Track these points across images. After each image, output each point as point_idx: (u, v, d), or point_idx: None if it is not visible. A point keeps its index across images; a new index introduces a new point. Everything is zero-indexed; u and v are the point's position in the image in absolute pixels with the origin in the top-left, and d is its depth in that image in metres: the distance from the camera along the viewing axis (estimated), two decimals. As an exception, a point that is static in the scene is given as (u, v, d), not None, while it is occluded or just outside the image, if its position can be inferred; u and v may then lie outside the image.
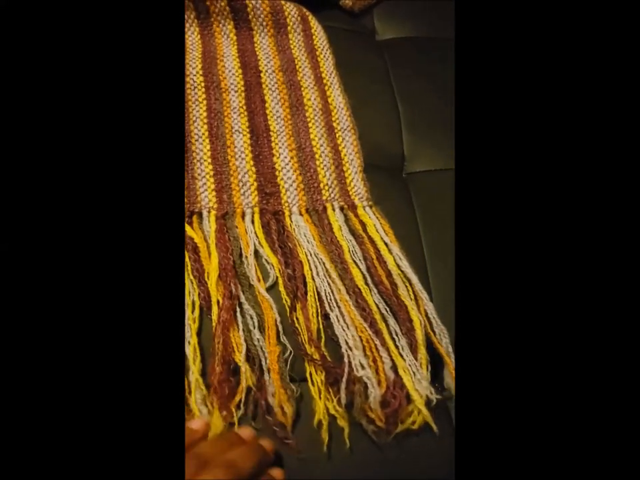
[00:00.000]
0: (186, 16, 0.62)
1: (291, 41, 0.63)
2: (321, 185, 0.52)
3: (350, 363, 0.42)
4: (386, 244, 0.49)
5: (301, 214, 0.50)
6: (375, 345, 0.43)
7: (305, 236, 0.48)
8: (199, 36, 0.62)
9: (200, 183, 0.51)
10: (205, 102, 0.56)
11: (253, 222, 0.49)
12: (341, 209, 0.51)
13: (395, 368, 0.42)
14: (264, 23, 0.63)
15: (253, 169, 0.52)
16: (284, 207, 0.50)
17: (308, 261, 0.47)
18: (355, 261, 0.47)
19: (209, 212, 0.49)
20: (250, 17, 0.62)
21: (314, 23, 0.64)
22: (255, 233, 0.48)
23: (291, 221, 0.49)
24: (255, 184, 0.51)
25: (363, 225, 0.50)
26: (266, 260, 0.47)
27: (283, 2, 0.64)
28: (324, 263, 0.46)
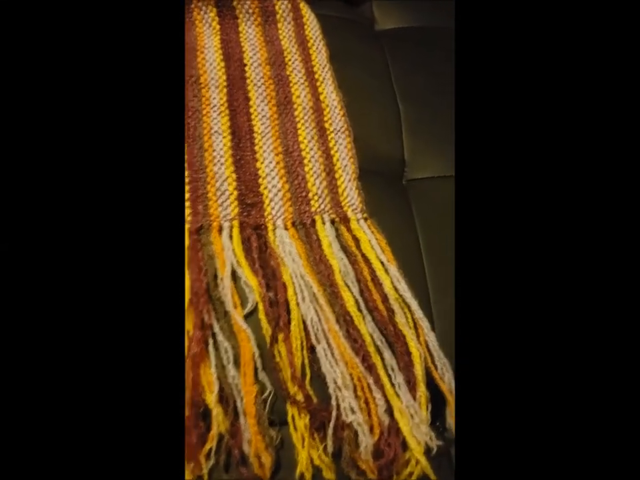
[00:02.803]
0: (163, 2, 0.56)
1: (280, 31, 0.57)
2: (310, 195, 0.46)
3: (338, 405, 0.36)
4: (382, 263, 0.43)
5: (286, 228, 0.44)
6: (368, 383, 0.37)
7: (290, 254, 0.42)
8: (178, 25, 0.56)
9: (173, 192, 0.45)
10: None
11: (231, 237, 0.43)
12: (332, 222, 0.45)
13: (390, 410, 0.37)
14: (250, 11, 0.57)
15: (233, 175, 0.46)
16: (267, 219, 0.44)
17: (293, 283, 0.41)
18: (346, 283, 0.41)
19: (182, 226, 0.43)
20: (234, 3, 0.56)
21: (306, 11, 0.58)
22: (233, 250, 0.42)
23: (275, 236, 0.44)
24: (235, 193, 0.45)
25: (357, 240, 0.44)
26: (245, 282, 0.41)
27: (271, -13, 0.58)
28: (311, 286, 0.41)
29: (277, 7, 0.57)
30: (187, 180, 0.45)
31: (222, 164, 0.47)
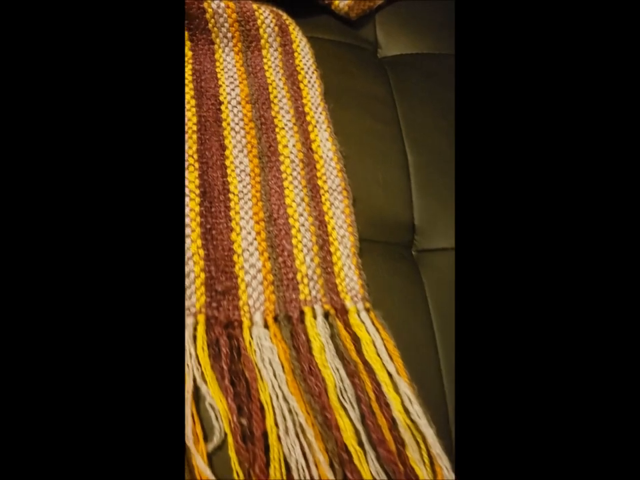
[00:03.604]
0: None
1: (264, 60, 0.47)
2: (298, 277, 0.37)
3: None
4: (390, 375, 0.33)
5: (266, 325, 0.35)
6: None
7: (271, 364, 0.33)
8: (141, 50, 0.47)
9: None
10: (140, 147, 0.41)
11: (194, 339, 0.34)
12: (326, 315, 0.36)
13: None
14: (229, 35, 0.47)
15: (201, 251, 0.37)
16: (242, 313, 0.35)
17: (273, 407, 0.31)
18: (343, 406, 0.32)
19: (132, 322, 0.34)
20: (210, 25, 0.47)
21: (297, 35, 0.49)
22: (197, 357, 0.33)
23: (251, 337, 0.34)
24: (202, 276, 0.36)
25: (357, 340, 0.35)
26: (210, 404, 0.31)
27: (255, 6, 0.48)
28: (297, 413, 0.31)
29: (261, 31, 0.47)
30: (141, 258, 0.36)
31: (187, 235, 0.37)
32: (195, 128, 0.42)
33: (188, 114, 0.42)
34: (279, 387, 0.32)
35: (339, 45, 0.52)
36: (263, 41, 0.47)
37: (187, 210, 0.38)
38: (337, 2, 0.52)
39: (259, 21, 0.47)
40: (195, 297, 0.35)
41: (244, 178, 0.40)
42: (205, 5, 0.45)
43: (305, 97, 0.45)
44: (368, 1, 0.53)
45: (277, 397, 0.32)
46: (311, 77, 0.46)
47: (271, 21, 0.48)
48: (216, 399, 0.31)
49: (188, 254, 0.36)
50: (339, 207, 0.40)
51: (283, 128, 0.43)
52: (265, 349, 0.33)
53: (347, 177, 0.41)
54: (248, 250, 0.37)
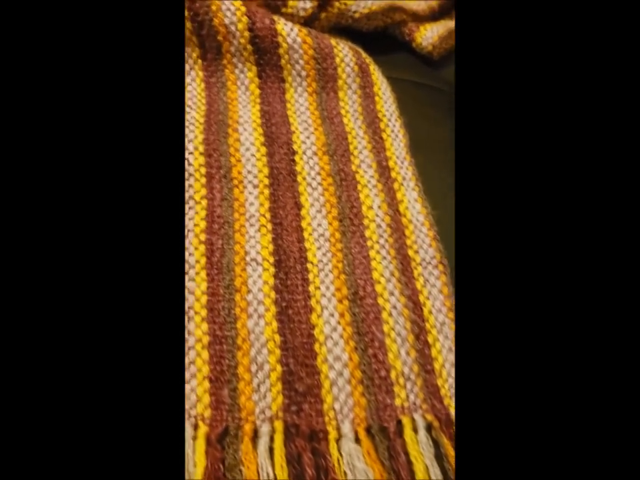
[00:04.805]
0: (185, 55, 0.41)
1: (341, 103, 0.42)
2: (392, 375, 0.30)
3: None
4: (511, 512, 0.27)
5: (357, 438, 0.28)
6: None
7: (366, 492, 0.27)
8: (202, 85, 0.41)
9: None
10: (204, 203, 0.35)
11: (271, 452, 0.27)
12: (428, 428, 0.29)
13: None
14: (303, 73, 0.42)
15: (277, 337, 0.30)
16: (327, 419, 0.29)
17: None
18: None
19: (195, 428, 0.27)
20: (283, 62, 0.41)
21: (377, 76, 0.43)
22: (275, 477, 0.27)
23: (340, 454, 0.28)
24: (279, 369, 0.30)
25: (466, 462, 0.29)
26: None
27: (333, 42, 0.42)
28: None
29: (339, 70, 0.42)
30: (204, 343, 0.30)
31: (260, 316, 0.31)
32: (267, 182, 0.36)
33: (258, 164, 0.37)
34: (379, 526, 0.26)
35: (418, 86, 0.47)
36: (340, 82, 0.42)
37: (260, 283, 0.32)
38: (419, 40, 0.47)
39: (337, 59, 0.42)
40: (270, 396, 0.29)
41: (323, 244, 0.34)
42: (280, 39, 0.40)
43: (389, 149, 0.39)
44: (452, 40, 0.48)
45: (377, 540, 0.25)
46: (394, 126, 0.41)
47: (351, 60, 0.42)
48: (300, 539, 0.25)
49: (262, 339, 0.30)
50: (436, 284, 0.34)
51: (366, 185, 0.37)
52: (358, 471, 0.27)
53: (441, 247, 0.36)
54: (332, 337, 0.31)
